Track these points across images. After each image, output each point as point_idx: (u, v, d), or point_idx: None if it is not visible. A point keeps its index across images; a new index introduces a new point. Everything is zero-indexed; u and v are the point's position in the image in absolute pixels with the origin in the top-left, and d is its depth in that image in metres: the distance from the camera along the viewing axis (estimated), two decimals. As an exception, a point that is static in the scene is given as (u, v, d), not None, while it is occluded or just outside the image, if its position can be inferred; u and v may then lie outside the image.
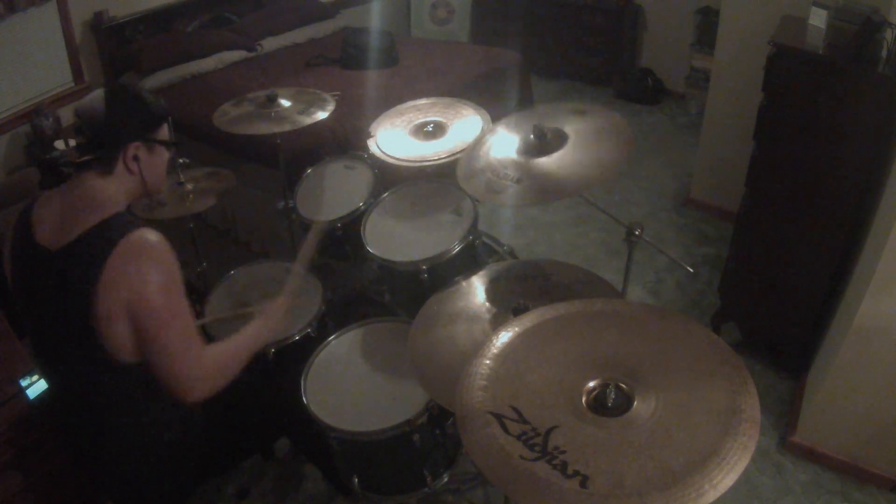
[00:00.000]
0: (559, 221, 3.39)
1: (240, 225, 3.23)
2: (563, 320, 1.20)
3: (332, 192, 2.24)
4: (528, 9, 4.84)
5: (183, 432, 1.46)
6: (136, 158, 1.34)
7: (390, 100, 2.62)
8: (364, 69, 3.61)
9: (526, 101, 3.82)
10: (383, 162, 2.12)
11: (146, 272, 1.24)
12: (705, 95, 3.27)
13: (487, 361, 1.12)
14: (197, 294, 1.98)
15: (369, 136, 2.21)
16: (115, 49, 3.59)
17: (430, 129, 2.16)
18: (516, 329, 1.19)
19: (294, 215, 2.25)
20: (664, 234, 3.24)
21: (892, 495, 1.99)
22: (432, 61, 3.67)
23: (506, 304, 1.61)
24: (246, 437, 1.69)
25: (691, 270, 1.62)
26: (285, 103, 2.25)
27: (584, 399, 1.03)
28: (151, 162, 1.38)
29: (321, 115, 2.19)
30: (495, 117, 2.16)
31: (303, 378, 1.65)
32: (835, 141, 1.94)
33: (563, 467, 0.92)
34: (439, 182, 2.08)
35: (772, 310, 2.33)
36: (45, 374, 1.63)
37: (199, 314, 1.90)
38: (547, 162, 1.60)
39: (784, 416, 2.25)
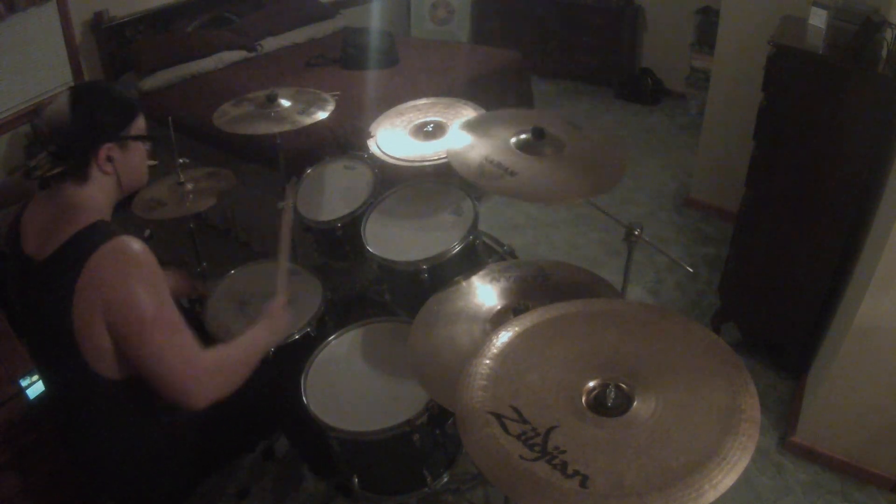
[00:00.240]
0: (559, 221, 3.39)
1: (240, 225, 3.23)
2: (563, 320, 1.20)
3: (332, 192, 2.24)
4: (527, 9, 4.84)
5: (175, 434, 1.45)
6: (109, 160, 1.30)
7: (390, 100, 2.62)
8: (364, 69, 3.61)
9: (525, 101, 3.82)
10: (383, 162, 2.12)
11: (123, 279, 1.21)
12: (705, 95, 3.27)
13: (487, 361, 1.12)
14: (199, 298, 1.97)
15: (369, 136, 2.21)
16: (115, 49, 3.59)
17: (430, 129, 2.16)
18: (516, 329, 1.19)
19: (294, 215, 2.25)
20: (664, 234, 3.24)
21: (892, 495, 1.99)
22: (432, 61, 3.67)
23: (506, 304, 1.61)
24: (244, 435, 1.69)
25: (691, 270, 1.62)
26: (285, 103, 2.25)
27: (584, 399, 1.03)
28: (127, 160, 1.34)
29: (321, 115, 2.19)
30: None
31: (303, 378, 1.65)
32: (835, 141, 1.94)
33: (563, 467, 0.92)
34: (439, 182, 2.08)
35: (772, 310, 2.33)
36: (41, 377, 1.63)
37: (198, 314, 1.90)
38: (541, 164, 1.61)
39: (784, 416, 2.25)
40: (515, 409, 1.02)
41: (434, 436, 1.61)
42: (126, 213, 1.80)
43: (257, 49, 3.90)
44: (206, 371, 1.29)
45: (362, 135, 2.29)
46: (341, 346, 1.76)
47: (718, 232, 3.21)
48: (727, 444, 0.92)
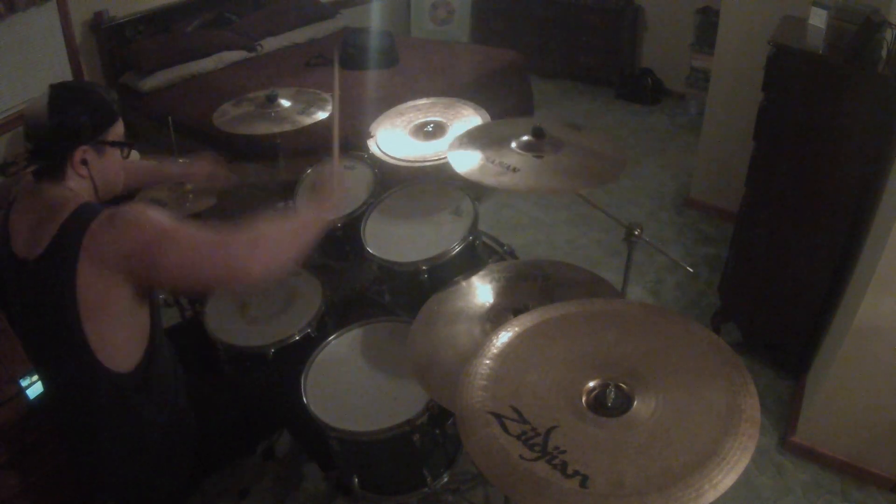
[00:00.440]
0: (559, 221, 3.39)
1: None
2: (563, 320, 1.20)
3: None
4: (528, 9, 4.84)
5: (177, 433, 1.45)
6: (84, 163, 1.29)
7: (390, 100, 2.62)
8: (364, 69, 3.61)
9: (526, 101, 3.82)
10: (383, 162, 2.12)
11: (124, 228, 1.19)
12: (705, 95, 3.27)
13: (487, 361, 1.12)
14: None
15: (369, 136, 2.21)
16: (115, 49, 3.60)
17: (430, 129, 2.16)
18: (516, 329, 1.19)
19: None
20: (664, 234, 3.24)
21: (892, 495, 1.99)
22: (432, 61, 3.67)
23: (506, 304, 1.61)
24: (244, 435, 1.69)
25: (691, 270, 1.63)
26: (285, 103, 2.25)
27: (584, 399, 1.04)
28: (102, 166, 1.32)
29: (321, 115, 2.19)
30: (495, 117, 2.17)
31: (303, 378, 1.65)
32: (835, 141, 1.94)
33: (563, 467, 0.92)
34: (439, 182, 2.08)
35: (772, 310, 2.33)
36: (39, 378, 1.63)
37: (198, 314, 1.90)
38: (543, 161, 1.62)
39: (784, 416, 2.25)
40: (515, 409, 1.02)
41: (434, 436, 1.61)
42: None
43: (257, 49, 3.91)
44: (243, 243, 1.27)
45: (362, 135, 2.29)
46: (341, 346, 1.76)
47: (718, 232, 3.21)
48: (727, 444, 0.92)
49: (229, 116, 2.23)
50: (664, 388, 1.03)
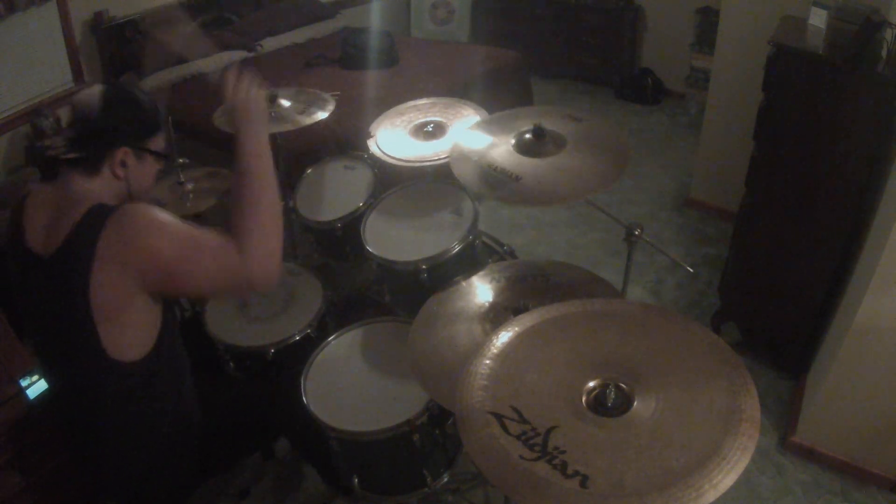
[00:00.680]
0: (559, 221, 3.39)
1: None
2: (563, 320, 1.20)
3: (332, 192, 2.24)
4: (528, 9, 4.84)
5: (181, 431, 1.45)
6: (123, 164, 1.30)
7: (390, 100, 2.62)
8: (364, 69, 3.61)
9: (526, 101, 3.82)
10: (383, 162, 2.12)
11: (139, 234, 1.20)
12: (705, 95, 3.27)
13: (487, 361, 1.12)
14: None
15: (369, 136, 2.21)
16: (115, 49, 3.59)
17: (430, 129, 2.16)
18: (516, 329, 1.19)
19: (294, 215, 2.25)
20: (664, 234, 3.25)
21: (892, 495, 1.99)
22: (432, 61, 3.67)
23: (506, 304, 1.61)
24: (245, 436, 1.69)
25: (691, 270, 1.62)
26: (285, 103, 2.25)
27: (584, 399, 1.03)
28: (139, 170, 1.34)
29: (321, 115, 2.18)
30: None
31: (303, 378, 1.65)
32: (835, 141, 1.94)
33: (563, 467, 0.92)
34: (439, 182, 2.08)
35: (772, 310, 2.33)
36: (45, 374, 1.63)
37: (198, 314, 1.91)
38: (544, 164, 1.61)
39: (784, 416, 2.25)
40: (515, 409, 1.02)
41: (434, 436, 1.61)
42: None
43: (257, 49, 3.91)
44: (247, 248, 1.24)
45: (362, 135, 2.29)
46: (341, 347, 1.76)
47: (718, 232, 3.21)
48: (727, 444, 0.92)
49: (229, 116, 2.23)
50: (664, 388, 1.03)
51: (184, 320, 2.22)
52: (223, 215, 3.18)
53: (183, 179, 2.11)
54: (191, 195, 2.08)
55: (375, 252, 1.87)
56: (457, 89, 3.13)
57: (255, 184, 1.29)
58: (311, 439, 1.67)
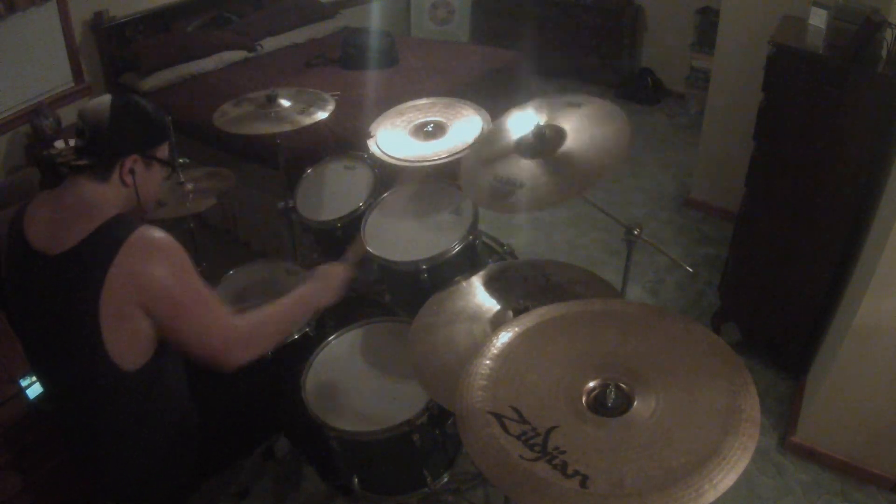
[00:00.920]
0: (559, 221, 3.39)
1: (240, 225, 3.23)
2: (563, 320, 1.20)
3: (332, 192, 2.24)
4: (527, 9, 4.84)
5: (180, 432, 1.45)
6: (132, 172, 1.34)
7: (390, 100, 2.62)
8: (364, 69, 3.61)
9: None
10: (383, 162, 2.12)
11: (154, 267, 1.24)
12: (705, 95, 3.27)
13: (487, 361, 1.12)
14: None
15: (369, 136, 2.21)
16: (115, 49, 3.59)
17: (430, 129, 2.16)
18: (516, 329, 1.19)
19: (294, 215, 2.25)
20: (664, 234, 3.24)
21: (892, 495, 1.99)
22: (432, 61, 3.67)
23: (506, 304, 1.61)
24: (244, 436, 1.69)
25: (691, 270, 1.62)
26: (285, 103, 2.25)
27: (584, 399, 1.03)
28: (147, 178, 1.39)
29: (321, 115, 2.18)
30: (495, 117, 2.16)
31: (302, 378, 1.65)
32: (835, 141, 1.94)
33: (563, 467, 0.92)
34: (439, 182, 2.08)
35: (772, 310, 2.33)
36: (39, 377, 1.63)
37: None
38: (549, 162, 1.61)
39: (784, 416, 2.25)
40: (515, 410, 1.02)
41: (434, 436, 1.60)
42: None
43: (257, 49, 3.91)
44: (241, 336, 1.36)
45: (362, 135, 2.29)
46: (341, 346, 1.76)
47: (718, 232, 3.21)
48: (727, 444, 0.91)
49: (229, 116, 2.23)
50: (664, 388, 1.03)
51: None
52: (222, 214, 3.17)
53: (183, 179, 2.10)
54: (191, 195, 2.07)
55: (375, 252, 1.87)
56: (457, 89, 3.12)
57: (299, 317, 1.57)
58: (310, 439, 1.68)
